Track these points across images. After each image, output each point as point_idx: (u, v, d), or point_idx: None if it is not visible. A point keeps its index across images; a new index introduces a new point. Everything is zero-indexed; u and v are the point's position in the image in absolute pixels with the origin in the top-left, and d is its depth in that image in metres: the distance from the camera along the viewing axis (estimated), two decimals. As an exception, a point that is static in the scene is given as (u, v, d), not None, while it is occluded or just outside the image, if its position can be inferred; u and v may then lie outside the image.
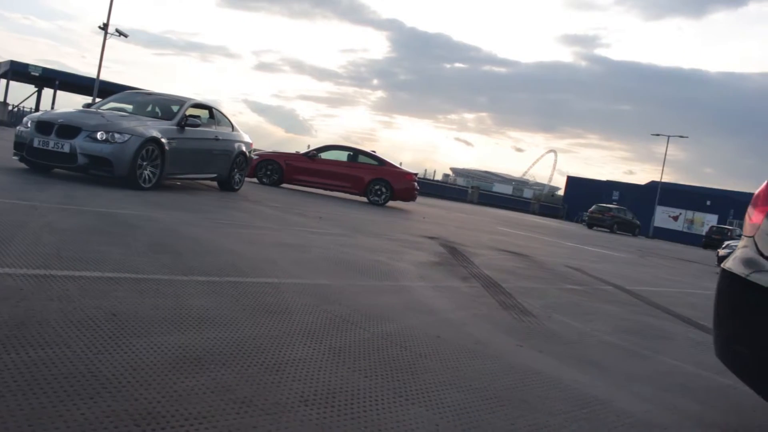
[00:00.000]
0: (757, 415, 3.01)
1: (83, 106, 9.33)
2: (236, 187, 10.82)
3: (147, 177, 7.95)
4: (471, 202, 40.87)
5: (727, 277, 2.51)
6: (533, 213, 44.79)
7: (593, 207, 34.09)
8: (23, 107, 40.81)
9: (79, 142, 7.36)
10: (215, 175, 10.14)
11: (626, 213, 34.74)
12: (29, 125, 7.70)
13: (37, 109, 39.70)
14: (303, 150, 15.94)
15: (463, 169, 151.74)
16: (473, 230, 12.59)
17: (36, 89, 42.98)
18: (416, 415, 2.11)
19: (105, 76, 46.17)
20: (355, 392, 2.20)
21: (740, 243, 2.58)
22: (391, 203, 15.63)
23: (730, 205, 44.06)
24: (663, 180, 45.98)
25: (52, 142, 7.41)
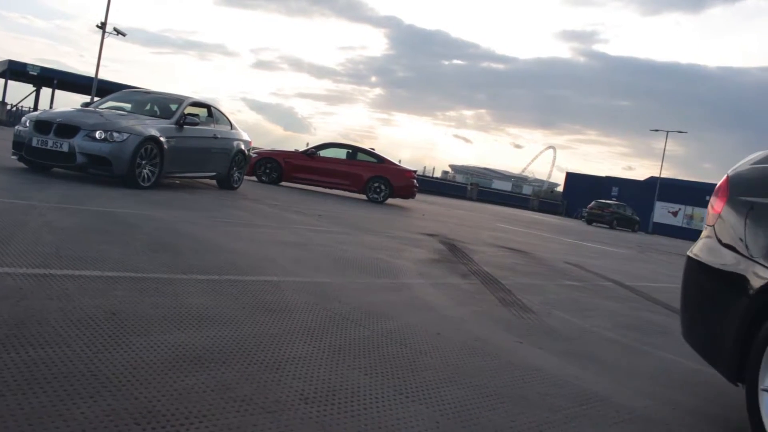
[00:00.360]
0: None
1: (82, 105, 9.31)
2: (235, 186, 10.81)
3: (146, 176, 7.94)
4: (470, 199, 40.86)
5: (690, 262, 2.75)
6: (532, 209, 44.78)
7: (592, 203, 34.10)
8: (22, 107, 40.75)
9: (78, 142, 7.35)
10: (214, 173, 10.14)
11: (625, 209, 34.75)
12: (28, 124, 7.69)
13: (35, 108, 39.62)
14: (302, 148, 15.93)
15: (462, 166, 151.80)
16: (472, 227, 12.59)
17: (34, 88, 42.89)
18: (416, 412, 2.11)
19: (103, 75, 46.22)
20: (355, 390, 2.20)
21: (703, 232, 2.81)
22: (390, 200, 15.63)
23: (729, 201, 43.89)
24: (662, 175, 45.99)
25: (51, 142, 7.40)
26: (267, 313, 3.00)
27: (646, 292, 6.69)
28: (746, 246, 2.40)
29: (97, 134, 7.40)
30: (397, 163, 16.18)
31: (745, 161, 2.78)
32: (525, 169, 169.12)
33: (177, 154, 8.55)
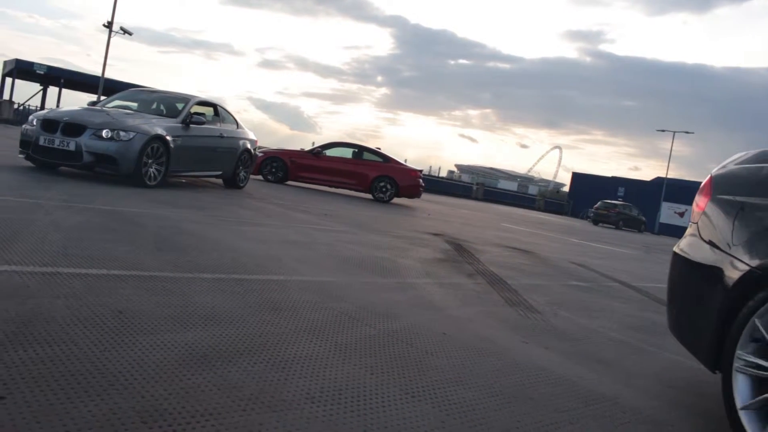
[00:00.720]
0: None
1: (88, 104, 9.35)
2: (241, 185, 10.83)
3: (152, 174, 7.96)
4: (476, 198, 40.81)
5: (675, 257, 2.91)
6: (538, 209, 44.69)
7: (598, 203, 33.99)
8: (29, 105, 40.93)
9: (85, 140, 7.38)
10: (220, 172, 10.16)
11: (632, 209, 34.63)
12: (35, 123, 7.73)
13: (42, 107, 39.81)
14: (308, 147, 15.94)
15: (468, 166, 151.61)
16: (478, 227, 12.57)
17: (41, 87, 43.10)
18: (423, 412, 2.10)
19: (110, 74, 46.35)
20: (362, 389, 2.20)
21: (688, 229, 2.96)
22: (396, 200, 15.63)
23: (736, 201, 43.73)
24: (669, 176, 45.83)
25: (58, 140, 7.43)
26: (273, 312, 3.00)
27: (653, 292, 6.67)
28: (725, 241, 2.54)
29: (104, 133, 7.43)
30: (403, 162, 16.18)
31: (729, 161, 2.88)
32: (531, 169, 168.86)
33: (183, 153, 8.58)
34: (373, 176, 15.11)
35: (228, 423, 1.75)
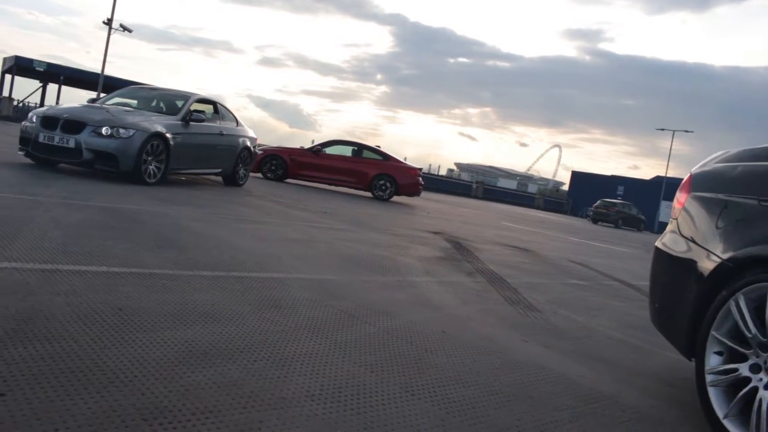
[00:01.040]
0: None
1: (88, 102, 9.34)
2: (241, 182, 10.82)
3: (152, 172, 7.96)
4: (475, 197, 40.81)
5: (657, 252, 3.06)
6: (538, 208, 44.70)
7: (598, 202, 34.01)
8: (28, 102, 40.90)
9: (84, 137, 7.37)
10: (220, 170, 10.15)
11: (631, 208, 34.65)
12: (34, 120, 7.72)
13: (42, 104, 39.78)
14: (307, 145, 15.93)
15: (468, 164, 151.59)
16: (478, 225, 12.58)
17: (41, 84, 43.04)
18: (422, 410, 2.10)
19: (109, 72, 46.30)
20: (361, 387, 2.20)
21: (669, 225, 3.10)
22: (395, 198, 15.62)
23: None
24: (668, 175, 45.82)
25: (58, 137, 7.42)
26: (272, 310, 3.00)
27: (652, 291, 6.66)
28: (700, 236, 2.70)
29: (104, 130, 7.42)
30: (403, 160, 16.16)
31: (708, 159, 3.01)
32: (530, 167, 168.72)
33: (183, 150, 8.57)
34: (372, 174, 15.10)
35: (228, 420, 1.75)
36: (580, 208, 45.49)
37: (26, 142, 7.71)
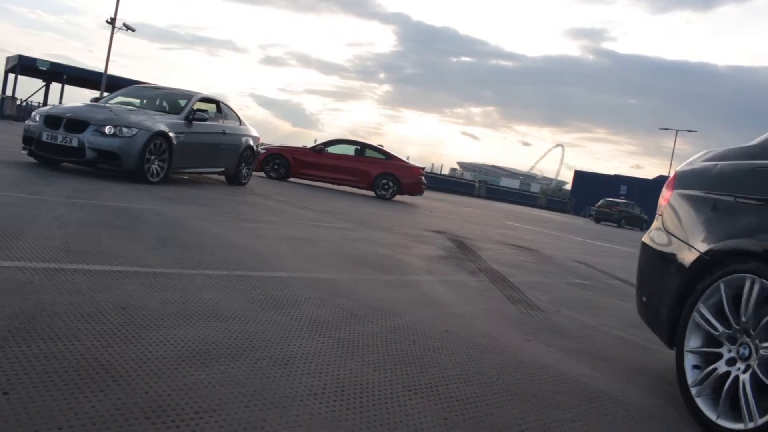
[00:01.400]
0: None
1: (91, 101, 9.35)
2: (243, 182, 10.83)
3: (155, 171, 7.97)
4: (478, 196, 40.80)
5: (643, 247, 3.22)
6: (540, 207, 44.66)
7: (601, 201, 33.92)
8: (31, 101, 40.94)
9: (88, 137, 7.38)
10: (223, 169, 10.16)
11: (634, 207, 34.55)
12: (38, 119, 7.73)
13: (45, 103, 39.82)
14: (310, 144, 15.93)
15: (470, 164, 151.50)
16: (480, 224, 12.57)
17: (44, 84, 43.09)
18: (425, 409, 2.10)
19: (112, 71, 46.29)
20: (365, 386, 2.20)
21: (654, 221, 3.25)
22: (398, 197, 15.62)
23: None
24: (671, 174, 45.71)
25: (61, 137, 7.43)
26: (276, 309, 3.01)
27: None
28: (682, 231, 2.87)
29: (107, 129, 7.43)
30: (405, 159, 16.16)
31: (694, 158, 3.16)
32: (533, 167, 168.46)
33: (186, 149, 8.58)
34: (375, 173, 15.10)
35: (231, 419, 1.75)
36: (582, 207, 45.37)
37: (29, 141, 7.72)
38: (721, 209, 2.68)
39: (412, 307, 3.63)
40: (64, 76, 39.08)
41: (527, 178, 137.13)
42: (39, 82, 43.11)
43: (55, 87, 42.88)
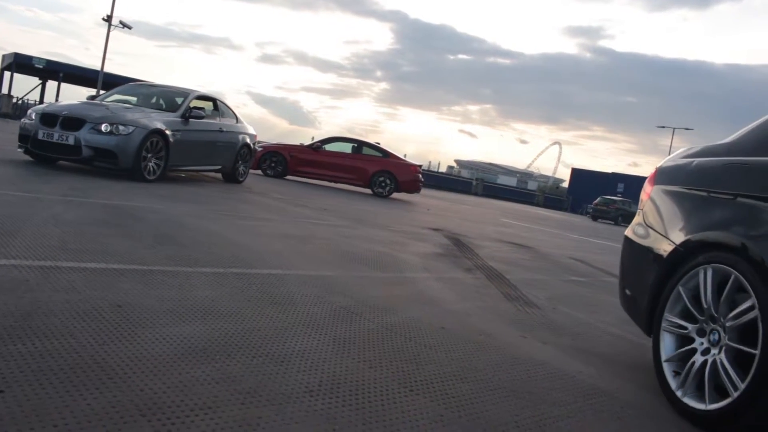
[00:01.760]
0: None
1: (87, 99, 9.34)
2: (240, 179, 10.82)
3: (151, 169, 7.95)
4: (475, 194, 40.82)
5: (625, 240, 3.38)
6: (538, 205, 44.70)
7: (598, 199, 33.97)
8: (28, 99, 40.84)
9: (84, 135, 7.37)
10: (219, 167, 10.15)
11: (631, 205, 34.53)
12: (34, 117, 7.71)
13: (41, 101, 39.71)
14: (307, 142, 15.92)
15: (468, 161, 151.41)
16: (477, 222, 12.58)
17: (40, 81, 42.97)
18: (421, 405, 2.11)
19: (109, 69, 46.14)
20: (360, 383, 2.20)
21: (636, 216, 3.40)
22: (395, 195, 15.62)
23: (735, 197, 43.69)
24: (668, 172, 45.72)
25: (57, 135, 7.41)
26: (272, 306, 3.01)
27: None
28: (660, 224, 3.03)
29: (103, 127, 7.41)
30: (402, 157, 16.15)
31: (674, 155, 3.33)
32: (530, 164, 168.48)
33: (182, 147, 8.56)
34: (372, 171, 15.10)
35: (227, 416, 1.75)
36: (580, 205, 45.43)
37: (25, 139, 7.70)
38: (696, 203, 2.84)
39: (408, 304, 3.64)
40: (61, 74, 38.95)
41: (524, 175, 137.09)
42: (35, 80, 43.01)
43: (51, 85, 42.80)
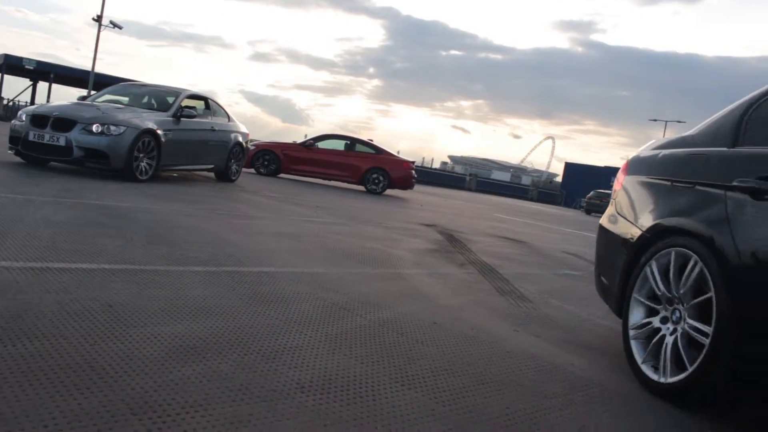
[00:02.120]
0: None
1: (78, 99, 9.30)
2: (233, 178, 10.81)
3: (143, 169, 7.93)
4: (469, 189, 40.85)
5: (599, 229, 3.65)
6: (531, 200, 44.77)
7: (591, 193, 34.05)
8: (18, 101, 40.60)
9: (75, 135, 7.34)
10: (212, 166, 10.12)
11: (624, 198, 34.71)
12: (24, 119, 7.67)
13: (32, 102, 39.49)
14: (300, 140, 15.90)
15: (461, 157, 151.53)
16: (471, 217, 12.60)
17: (31, 83, 42.70)
18: (413, 400, 2.12)
19: (100, 69, 45.98)
20: (352, 378, 2.21)
21: (609, 205, 3.62)
22: (388, 191, 15.63)
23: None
24: (661, 165, 45.88)
25: (48, 136, 7.38)
26: (263, 304, 3.01)
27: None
28: (630, 212, 3.24)
29: (94, 128, 7.38)
30: (396, 154, 16.16)
31: (646, 146, 3.49)
32: (524, 159, 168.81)
33: (174, 146, 8.54)
34: (365, 168, 15.10)
35: (218, 414, 1.76)
36: (573, 199, 45.55)
37: (16, 140, 7.66)
38: (661, 192, 3.03)
39: (400, 299, 3.65)
40: (51, 75, 38.69)
41: (518, 170, 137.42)
42: (26, 82, 42.73)
43: (42, 86, 42.59)
